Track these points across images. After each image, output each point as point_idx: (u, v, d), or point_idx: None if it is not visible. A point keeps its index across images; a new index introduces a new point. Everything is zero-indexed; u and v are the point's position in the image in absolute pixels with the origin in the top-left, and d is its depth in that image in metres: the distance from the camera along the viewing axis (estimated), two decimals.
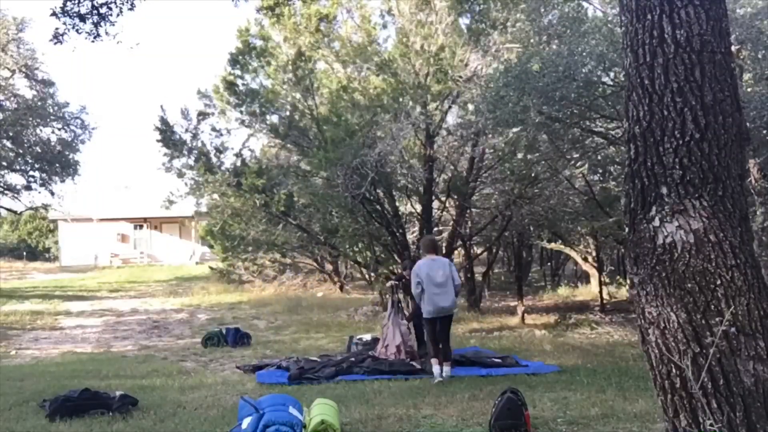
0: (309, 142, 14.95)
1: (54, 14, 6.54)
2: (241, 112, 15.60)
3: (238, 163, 15.95)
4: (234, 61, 15.18)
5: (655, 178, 3.02)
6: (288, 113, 15.69)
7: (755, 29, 8.83)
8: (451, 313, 7.89)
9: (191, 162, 15.99)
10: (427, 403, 6.16)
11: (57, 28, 6.66)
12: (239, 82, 15.38)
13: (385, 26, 15.51)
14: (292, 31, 14.60)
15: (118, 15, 6.68)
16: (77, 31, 6.63)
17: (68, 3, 6.50)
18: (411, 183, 15.46)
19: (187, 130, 15.82)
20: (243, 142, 16.29)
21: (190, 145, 15.87)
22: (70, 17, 6.53)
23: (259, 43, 15.22)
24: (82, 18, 6.57)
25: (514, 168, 14.04)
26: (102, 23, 6.62)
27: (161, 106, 18.28)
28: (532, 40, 11.85)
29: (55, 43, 6.68)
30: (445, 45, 13.96)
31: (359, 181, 13.12)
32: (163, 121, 15.57)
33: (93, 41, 6.60)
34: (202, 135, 16.06)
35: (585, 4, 11.90)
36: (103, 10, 6.52)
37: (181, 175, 16.37)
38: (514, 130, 11.41)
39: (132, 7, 6.66)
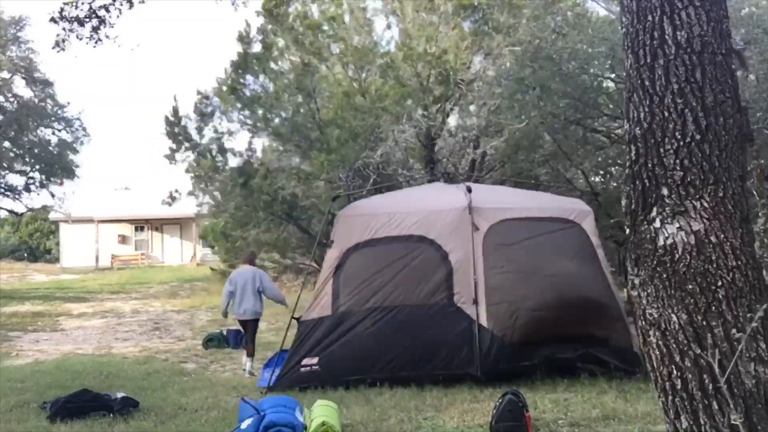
0: (311, 145, 14.94)
1: (53, 20, 6.52)
2: (244, 115, 15.60)
3: (242, 164, 15.93)
4: (236, 63, 15.17)
5: (656, 180, 3.02)
6: (290, 116, 15.68)
7: (759, 29, 8.81)
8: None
9: (195, 156, 15.99)
10: (428, 405, 6.15)
11: (58, 34, 6.64)
12: (241, 84, 15.37)
13: (388, 26, 15.54)
14: (294, 33, 14.59)
15: (117, 17, 6.66)
16: (77, 36, 6.61)
17: (66, 7, 6.47)
18: (413, 185, 15.43)
19: (194, 128, 15.84)
20: (248, 145, 16.13)
21: (195, 142, 15.89)
22: (69, 22, 6.50)
23: (261, 46, 15.21)
24: (81, 22, 6.54)
25: (515, 169, 14.04)
26: (101, 27, 6.60)
27: (174, 97, 18.00)
28: (536, 42, 11.84)
29: (58, 51, 6.67)
30: (448, 47, 13.95)
31: (361, 183, 13.13)
32: (175, 111, 15.57)
33: (95, 46, 6.59)
34: (206, 135, 16.07)
35: (590, 4, 11.90)
36: (101, 13, 6.49)
37: (188, 170, 16.34)
38: (518, 126, 11.41)
39: (131, 6, 6.63)
